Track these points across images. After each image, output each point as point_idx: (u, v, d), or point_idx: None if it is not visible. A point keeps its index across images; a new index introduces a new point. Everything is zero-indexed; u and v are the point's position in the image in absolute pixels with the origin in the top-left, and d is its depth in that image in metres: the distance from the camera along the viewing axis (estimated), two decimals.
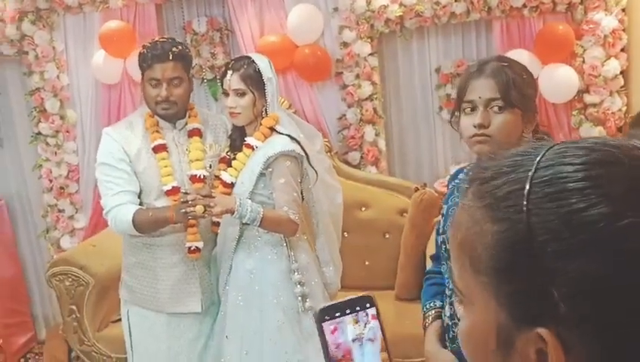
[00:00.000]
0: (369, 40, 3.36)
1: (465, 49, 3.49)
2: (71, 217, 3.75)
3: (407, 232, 3.18)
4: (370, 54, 3.38)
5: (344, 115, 3.48)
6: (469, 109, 1.49)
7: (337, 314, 0.73)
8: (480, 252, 0.56)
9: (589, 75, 3.16)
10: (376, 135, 3.47)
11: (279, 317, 2.25)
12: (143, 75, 2.26)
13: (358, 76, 3.39)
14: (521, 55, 3.00)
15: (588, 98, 3.20)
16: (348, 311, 0.74)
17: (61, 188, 3.70)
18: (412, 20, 3.33)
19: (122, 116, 3.49)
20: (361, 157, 3.50)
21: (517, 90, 1.44)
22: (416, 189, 3.19)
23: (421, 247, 3.10)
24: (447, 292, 1.62)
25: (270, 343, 2.25)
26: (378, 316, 0.74)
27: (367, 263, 3.35)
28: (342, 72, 3.42)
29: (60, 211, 3.72)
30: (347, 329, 0.73)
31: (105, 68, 3.53)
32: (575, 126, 3.25)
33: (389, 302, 3.18)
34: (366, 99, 3.41)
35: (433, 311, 1.66)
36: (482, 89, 1.47)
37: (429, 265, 2.94)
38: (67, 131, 3.66)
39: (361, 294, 0.75)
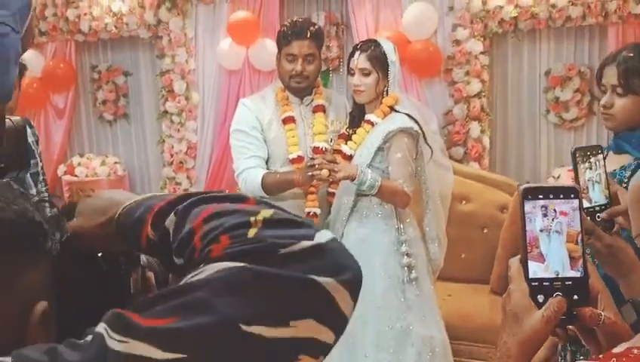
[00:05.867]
0: (482, 39, 3.47)
1: (577, 53, 3.52)
2: (186, 190, 4.06)
3: (506, 226, 3.23)
4: (482, 53, 3.49)
5: (450, 111, 3.59)
6: (603, 91, 1.69)
7: (540, 196, 0.75)
8: None
9: None
10: (482, 132, 3.56)
11: (385, 284, 2.37)
12: (280, 51, 2.47)
13: (467, 73, 3.51)
14: None
15: None
16: (551, 196, 0.75)
17: (180, 162, 4.03)
18: (526, 22, 3.41)
19: None
20: (465, 152, 3.59)
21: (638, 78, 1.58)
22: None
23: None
24: None
25: (374, 308, 2.38)
26: (580, 209, 0.76)
27: (463, 256, 3.41)
28: (451, 69, 3.55)
29: (177, 184, 4.05)
30: (536, 220, 0.76)
31: (229, 55, 3.83)
32: None
33: (483, 295, 3.23)
34: (474, 96, 3.52)
35: None
36: (609, 75, 1.64)
37: None
38: (190, 111, 3.99)
39: (568, 185, 0.78)
